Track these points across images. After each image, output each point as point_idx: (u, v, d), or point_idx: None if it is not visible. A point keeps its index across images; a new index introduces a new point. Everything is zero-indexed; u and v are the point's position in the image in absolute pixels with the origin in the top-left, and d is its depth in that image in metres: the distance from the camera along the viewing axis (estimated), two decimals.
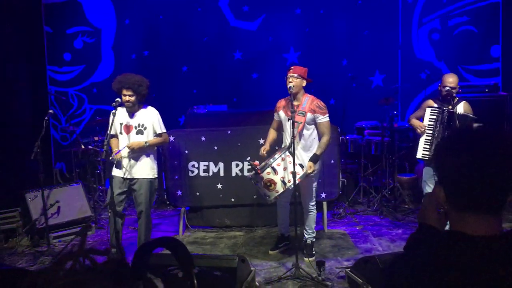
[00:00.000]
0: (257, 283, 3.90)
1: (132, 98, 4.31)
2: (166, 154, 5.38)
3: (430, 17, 7.31)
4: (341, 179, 5.58)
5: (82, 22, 7.72)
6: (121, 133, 4.43)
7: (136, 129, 4.40)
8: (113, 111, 4.34)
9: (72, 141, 6.79)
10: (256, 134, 5.27)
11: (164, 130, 4.51)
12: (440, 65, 7.27)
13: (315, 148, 4.35)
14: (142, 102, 4.46)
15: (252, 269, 3.91)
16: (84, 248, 0.74)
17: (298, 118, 4.26)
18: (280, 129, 4.58)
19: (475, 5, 7.13)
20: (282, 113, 4.47)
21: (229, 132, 5.41)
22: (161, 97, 7.44)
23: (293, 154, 4.05)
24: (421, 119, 4.74)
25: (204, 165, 5.39)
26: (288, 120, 4.25)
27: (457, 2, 7.19)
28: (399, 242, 4.90)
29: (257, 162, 4.23)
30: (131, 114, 4.42)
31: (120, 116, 4.42)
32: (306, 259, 4.48)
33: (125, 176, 4.40)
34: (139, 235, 4.54)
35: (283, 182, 4.10)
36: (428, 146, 4.59)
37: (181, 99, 7.55)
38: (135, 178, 4.40)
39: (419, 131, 4.67)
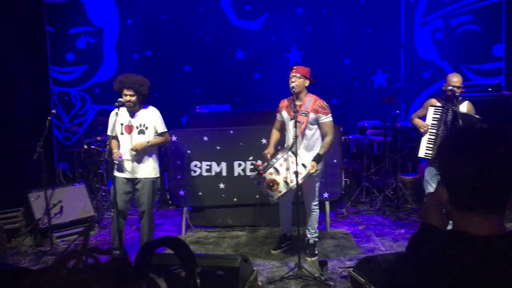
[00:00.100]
0: (259, 282, 3.90)
1: (133, 98, 4.32)
2: (168, 154, 5.38)
3: (433, 16, 7.29)
4: (343, 179, 5.58)
5: (84, 22, 7.73)
6: (122, 133, 4.44)
7: (137, 129, 4.40)
8: (115, 110, 4.35)
9: (74, 141, 6.81)
10: (258, 134, 5.28)
11: (165, 130, 4.52)
12: (443, 65, 7.25)
13: (317, 148, 4.34)
14: (143, 102, 4.47)
15: (254, 268, 3.91)
16: (87, 246, 0.74)
17: (300, 118, 4.25)
18: (283, 129, 4.57)
19: (477, 4, 7.11)
20: (284, 113, 4.46)
21: (231, 132, 5.41)
22: (163, 96, 7.46)
23: (295, 154, 4.05)
24: (423, 118, 4.72)
25: (207, 165, 5.39)
26: (291, 120, 4.24)
27: (460, 1, 7.17)
28: (401, 241, 4.90)
29: (259, 163, 4.23)
30: (132, 114, 4.43)
31: (121, 116, 4.43)
32: (309, 259, 4.48)
33: (127, 177, 4.41)
34: (141, 235, 4.55)
35: (286, 183, 4.10)
36: (431, 146, 4.57)
37: (183, 99, 7.56)
38: (137, 178, 4.41)
39: (422, 130, 4.65)
